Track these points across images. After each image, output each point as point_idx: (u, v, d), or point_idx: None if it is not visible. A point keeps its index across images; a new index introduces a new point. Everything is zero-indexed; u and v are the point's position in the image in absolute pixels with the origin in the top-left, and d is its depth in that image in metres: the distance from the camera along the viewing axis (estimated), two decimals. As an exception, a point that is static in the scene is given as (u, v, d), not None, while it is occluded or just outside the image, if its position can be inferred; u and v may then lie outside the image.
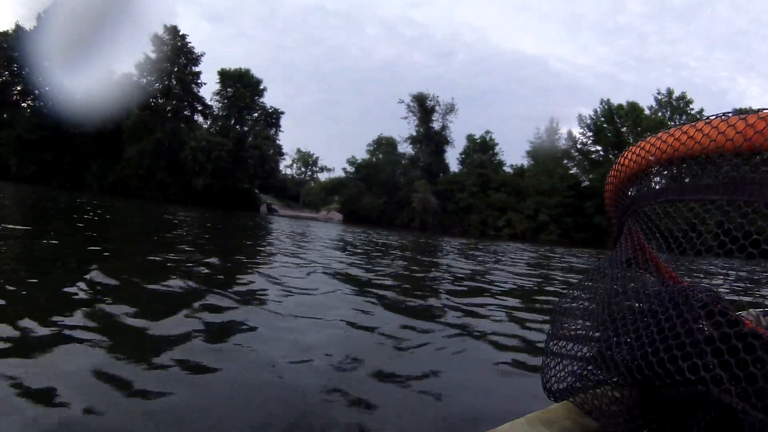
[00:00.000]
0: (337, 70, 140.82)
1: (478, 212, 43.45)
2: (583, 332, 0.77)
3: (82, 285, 3.75)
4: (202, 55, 43.66)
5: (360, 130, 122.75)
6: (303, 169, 62.96)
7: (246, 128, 43.57)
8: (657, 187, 0.70)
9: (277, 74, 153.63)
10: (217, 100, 43.92)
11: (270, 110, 43.82)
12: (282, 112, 43.88)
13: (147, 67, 43.18)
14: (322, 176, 60.03)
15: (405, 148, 48.50)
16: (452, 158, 49.30)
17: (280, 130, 44.05)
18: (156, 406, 1.84)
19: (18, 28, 45.58)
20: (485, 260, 11.68)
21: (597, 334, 0.72)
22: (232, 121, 43.44)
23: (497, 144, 47.03)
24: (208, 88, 55.43)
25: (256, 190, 45.03)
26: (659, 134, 0.67)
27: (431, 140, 46.41)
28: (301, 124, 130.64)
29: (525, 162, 46.61)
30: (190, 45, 43.36)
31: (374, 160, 46.55)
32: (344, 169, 48.67)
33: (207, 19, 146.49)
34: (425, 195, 43.18)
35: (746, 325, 0.55)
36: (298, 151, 61.54)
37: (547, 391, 0.81)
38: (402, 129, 55.82)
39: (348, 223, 41.01)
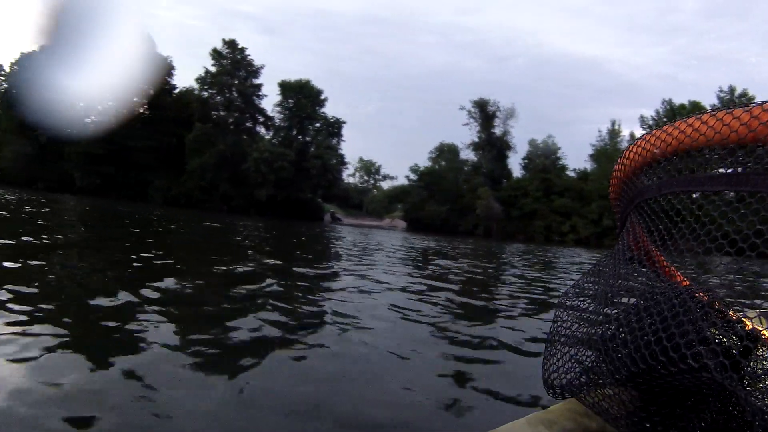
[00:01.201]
0: (394, 78, 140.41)
1: (542, 218, 42.77)
2: (585, 327, 0.76)
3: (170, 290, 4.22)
4: (261, 68, 43.98)
5: (420, 137, 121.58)
6: (365, 178, 63.01)
7: (308, 138, 43.64)
8: (661, 179, 0.69)
9: (335, 84, 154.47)
10: (278, 111, 44.20)
11: (331, 120, 43.87)
12: (344, 122, 43.97)
13: (207, 80, 43.66)
14: (385, 184, 60.20)
15: (467, 155, 48.30)
16: (515, 164, 48.64)
17: (342, 140, 44.10)
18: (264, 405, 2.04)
19: (80, 46, 46.50)
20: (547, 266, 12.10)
21: (599, 328, 0.71)
22: (294, 132, 43.56)
23: (560, 148, 46.20)
24: (270, 100, 55.68)
25: (320, 200, 44.98)
26: (664, 127, 0.66)
27: (493, 146, 45.95)
28: (362, 133, 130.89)
29: (588, 166, 45.80)
30: (249, 58, 43.69)
31: (437, 167, 46.29)
32: (407, 177, 48.76)
33: (263, 32, 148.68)
34: (488, 201, 42.67)
35: (746, 324, 0.55)
36: (361, 159, 61.83)
37: (547, 387, 0.80)
38: (463, 135, 55.49)
39: (412, 231, 40.79)
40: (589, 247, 34.84)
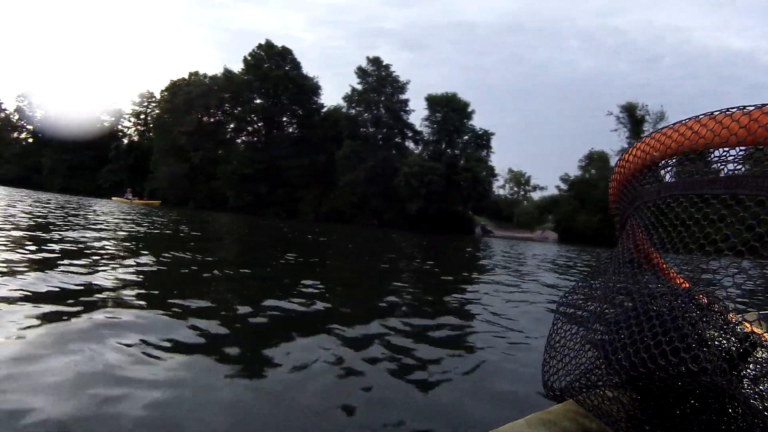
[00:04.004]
0: (539, 86, 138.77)
1: (698, 225, 41.49)
2: (585, 330, 0.76)
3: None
4: (407, 83, 44.92)
5: (567, 145, 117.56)
6: (515, 189, 62.78)
7: (457, 151, 44.17)
8: (661, 182, 0.69)
9: (478, 95, 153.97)
10: (426, 125, 44.92)
11: (480, 132, 44.17)
12: (492, 134, 44.05)
13: (354, 98, 45.14)
14: (535, 195, 59.70)
15: (617, 162, 47.06)
16: (666, 170, 46.95)
17: (491, 152, 44.29)
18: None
19: (226, 71, 49.17)
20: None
21: (599, 331, 0.71)
22: (443, 145, 44.20)
23: (714, 151, 44.66)
24: (417, 114, 56.50)
25: (470, 212, 45.48)
26: (663, 130, 0.67)
27: (645, 152, 45.01)
28: (507, 143, 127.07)
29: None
30: (394, 74, 44.76)
31: (587, 175, 45.76)
32: (557, 187, 48.19)
33: (405, 48, 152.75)
34: (642, 210, 41.80)
35: (746, 327, 0.55)
36: (510, 170, 61.76)
37: (546, 390, 0.80)
38: (612, 141, 54.08)
39: (564, 243, 40.45)
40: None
